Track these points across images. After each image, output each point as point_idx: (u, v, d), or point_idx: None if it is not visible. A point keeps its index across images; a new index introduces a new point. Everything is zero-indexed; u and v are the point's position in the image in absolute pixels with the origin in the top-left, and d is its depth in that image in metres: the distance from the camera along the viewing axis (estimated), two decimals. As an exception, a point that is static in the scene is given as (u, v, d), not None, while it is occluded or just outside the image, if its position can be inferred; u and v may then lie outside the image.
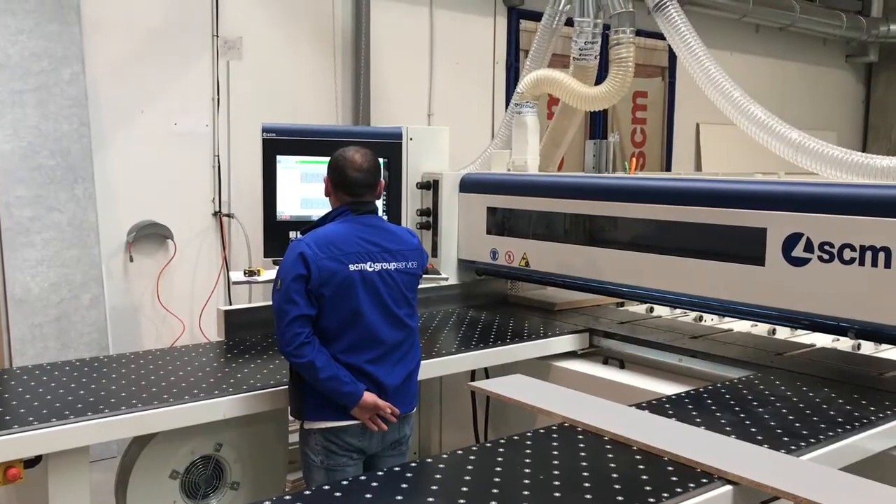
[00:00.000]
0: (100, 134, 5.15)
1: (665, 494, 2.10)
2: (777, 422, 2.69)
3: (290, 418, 3.20)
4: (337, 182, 3.03)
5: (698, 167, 9.13)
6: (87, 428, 2.68)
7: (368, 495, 2.11)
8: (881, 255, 2.89)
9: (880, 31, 10.26)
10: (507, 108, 5.35)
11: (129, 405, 2.81)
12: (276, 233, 4.38)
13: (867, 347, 3.59)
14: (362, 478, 2.26)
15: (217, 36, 5.58)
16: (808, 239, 3.07)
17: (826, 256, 3.02)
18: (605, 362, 3.87)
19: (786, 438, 2.54)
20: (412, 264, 3.06)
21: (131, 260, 5.31)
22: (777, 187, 3.28)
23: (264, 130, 4.42)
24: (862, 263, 2.94)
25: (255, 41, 5.76)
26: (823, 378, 3.15)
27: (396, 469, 2.30)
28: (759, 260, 3.22)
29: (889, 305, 2.89)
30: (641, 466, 2.29)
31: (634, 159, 8.26)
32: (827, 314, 3.10)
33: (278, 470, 3.51)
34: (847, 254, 2.97)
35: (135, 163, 5.34)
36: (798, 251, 3.10)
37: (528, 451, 2.41)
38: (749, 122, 3.80)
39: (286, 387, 3.03)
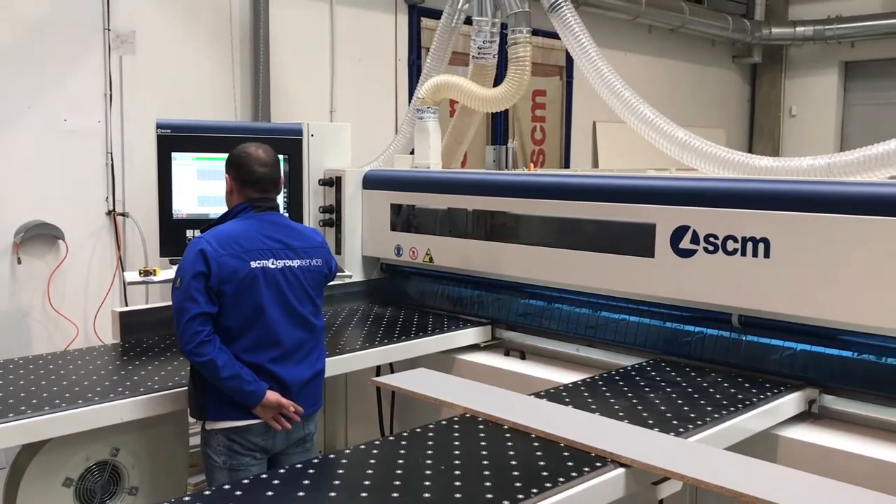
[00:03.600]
0: (-18, 130, 4.91)
1: (561, 479, 2.18)
2: (667, 406, 2.82)
3: (191, 420, 3.15)
4: (242, 179, 2.99)
5: (596, 164, 9.39)
6: (-28, 437, 2.57)
7: (270, 493, 2.11)
8: (761, 246, 3.06)
9: (763, 33, 10.81)
10: (409, 104, 5.39)
11: (17, 412, 2.70)
12: (173, 232, 4.28)
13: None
14: (264, 476, 2.25)
15: (108, 30, 5.39)
16: (694, 231, 3.22)
17: (711, 248, 3.18)
18: (507, 354, 3.96)
19: (675, 422, 2.67)
20: (317, 261, 3.05)
21: (19, 262, 5.08)
22: (665, 182, 3.43)
23: (159, 127, 4.31)
24: (744, 254, 3.11)
25: (148, 35, 5.59)
26: (710, 363, 3.32)
27: (298, 466, 2.30)
28: (649, 252, 3.36)
29: (768, 293, 3.07)
30: (539, 453, 2.37)
31: (533, 164, 8.44)
32: (712, 303, 3.26)
33: (179, 473, 3.44)
34: (730, 245, 3.13)
35: (22, 160, 5.10)
36: (685, 243, 3.25)
37: (429, 442, 2.45)
38: (638, 120, 3.96)
39: (186, 388, 2.98)
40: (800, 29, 10.87)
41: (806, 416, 3.03)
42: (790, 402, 2.97)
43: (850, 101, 11.54)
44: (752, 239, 3.08)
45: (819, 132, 11.36)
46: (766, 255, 3.05)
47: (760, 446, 2.81)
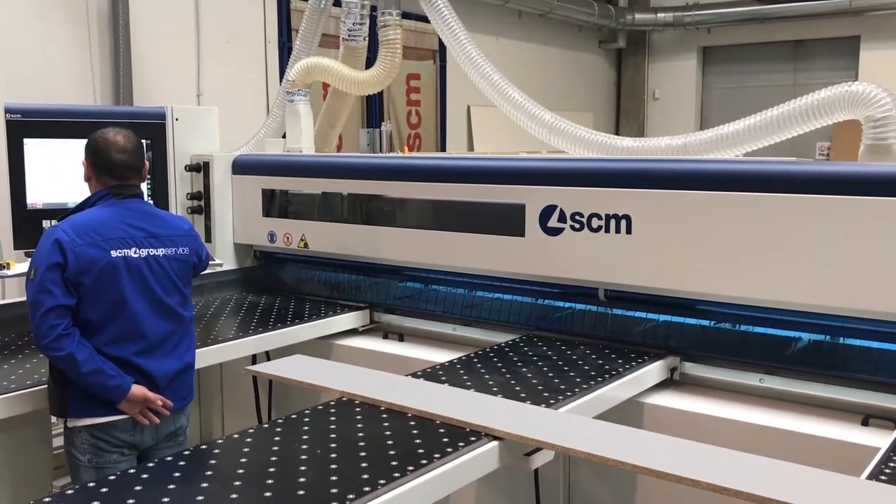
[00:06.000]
0: None
1: (437, 455, 2.21)
2: (539, 379, 2.91)
3: (53, 419, 3.00)
4: (100, 166, 2.86)
5: (471, 147, 9.52)
6: None
7: (139, 487, 2.04)
8: (623, 223, 3.18)
9: (627, 19, 11.23)
10: (280, 87, 5.28)
11: None
12: (27, 222, 4.04)
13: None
14: (131, 471, 2.16)
15: (-52, 6, 5.02)
16: (561, 210, 3.32)
17: (577, 225, 3.28)
18: (385, 337, 3.97)
19: (546, 394, 2.75)
20: (183, 250, 2.95)
21: None
22: (533, 164, 3.51)
23: (8, 111, 4.05)
24: (608, 231, 3.22)
25: (-6, 13, 5.24)
26: (579, 337, 3.43)
27: (168, 459, 2.23)
28: (520, 232, 3.44)
29: (631, 268, 3.20)
30: (415, 431, 2.39)
31: (408, 147, 8.47)
32: (580, 278, 3.38)
33: (42, 476, 3.28)
34: (595, 222, 3.25)
35: None
36: (553, 222, 3.34)
37: (305, 427, 2.43)
38: (508, 104, 4.03)
39: (46, 386, 2.83)
40: (661, 15, 11.36)
41: (668, 383, 3.19)
42: (654, 371, 3.11)
43: (708, 84, 12.17)
44: (615, 216, 3.20)
45: (680, 114, 11.93)
46: (629, 231, 3.17)
47: (627, 413, 2.95)
